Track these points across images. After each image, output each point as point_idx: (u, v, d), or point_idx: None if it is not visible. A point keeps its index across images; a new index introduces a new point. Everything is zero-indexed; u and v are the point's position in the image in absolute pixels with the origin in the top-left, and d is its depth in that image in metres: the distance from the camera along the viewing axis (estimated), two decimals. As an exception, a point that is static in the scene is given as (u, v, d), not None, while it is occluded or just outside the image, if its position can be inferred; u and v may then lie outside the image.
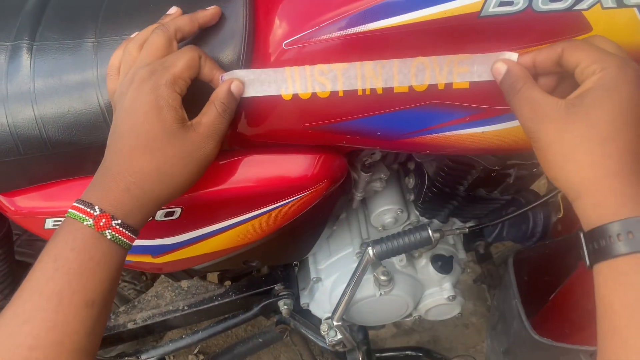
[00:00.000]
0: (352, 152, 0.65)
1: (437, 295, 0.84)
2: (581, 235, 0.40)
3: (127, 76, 0.47)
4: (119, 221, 0.43)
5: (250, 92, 0.49)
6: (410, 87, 0.47)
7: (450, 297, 0.83)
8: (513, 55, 0.45)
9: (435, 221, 0.83)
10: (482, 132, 0.51)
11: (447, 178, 0.70)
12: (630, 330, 0.36)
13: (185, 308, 0.89)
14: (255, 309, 0.89)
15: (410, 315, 0.89)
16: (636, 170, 0.39)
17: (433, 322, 1.47)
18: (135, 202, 0.44)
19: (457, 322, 1.44)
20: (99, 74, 0.51)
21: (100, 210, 0.43)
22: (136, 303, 0.91)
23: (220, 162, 0.57)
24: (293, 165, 0.58)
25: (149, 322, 0.89)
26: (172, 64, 0.45)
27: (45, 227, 0.59)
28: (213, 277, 1.09)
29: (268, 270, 0.96)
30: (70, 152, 0.53)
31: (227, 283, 0.98)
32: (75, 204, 0.43)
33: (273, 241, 0.68)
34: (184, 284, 0.91)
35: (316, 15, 0.47)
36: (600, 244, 0.38)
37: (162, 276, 0.98)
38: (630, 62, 0.41)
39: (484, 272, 1.09)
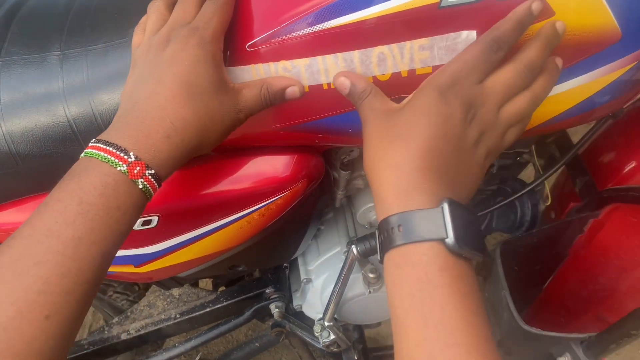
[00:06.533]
0: (330, 150, 0.64)
1: (429, 290, 0.83)
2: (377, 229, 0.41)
3: (158, 34, 0.46)
4: (153, 171, 0.41)
5: None
6: (374, 77, 0.46)
7: (442, 292, 0.82)
8: (472, 34, 0.44)
9: (423, 216, 0.82)
10: (453, 123, 0.50)
11: (428, 172, 0.69)
12: (409, 322, 0.36)
13: (178, 316, 0.88)
14: (247, 314, 0.89)
15: (403, 311, 0.88)
16: (418, 165, 0.39)
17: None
18: (173, 151, 0.42)
19: (457, 315, 1.42)
20: (65, 86, 0.51)
21: (136, 157, 0.40)
22: (129, 314, 0.90)
23: (195, 168, 0.57)
24: (269, 167, 0.58)
25: (142, 332, 0.88)
26: (210, 19, 0.45)
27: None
28: (208, 284, 1.09)
29: (259, 274, 0.95)
30: (41, 166, 0.53)
31: (222, 289, 0.98)
32: (104, 146, 0.40)
33: (257, 244, 0.68)
34: (176, 292, 0.90)
35: (277, 15, 0.46)
36: (384, 236, 0.39)
37: (154, 285, 0.98)
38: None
39: (478, 265, 1.08)
